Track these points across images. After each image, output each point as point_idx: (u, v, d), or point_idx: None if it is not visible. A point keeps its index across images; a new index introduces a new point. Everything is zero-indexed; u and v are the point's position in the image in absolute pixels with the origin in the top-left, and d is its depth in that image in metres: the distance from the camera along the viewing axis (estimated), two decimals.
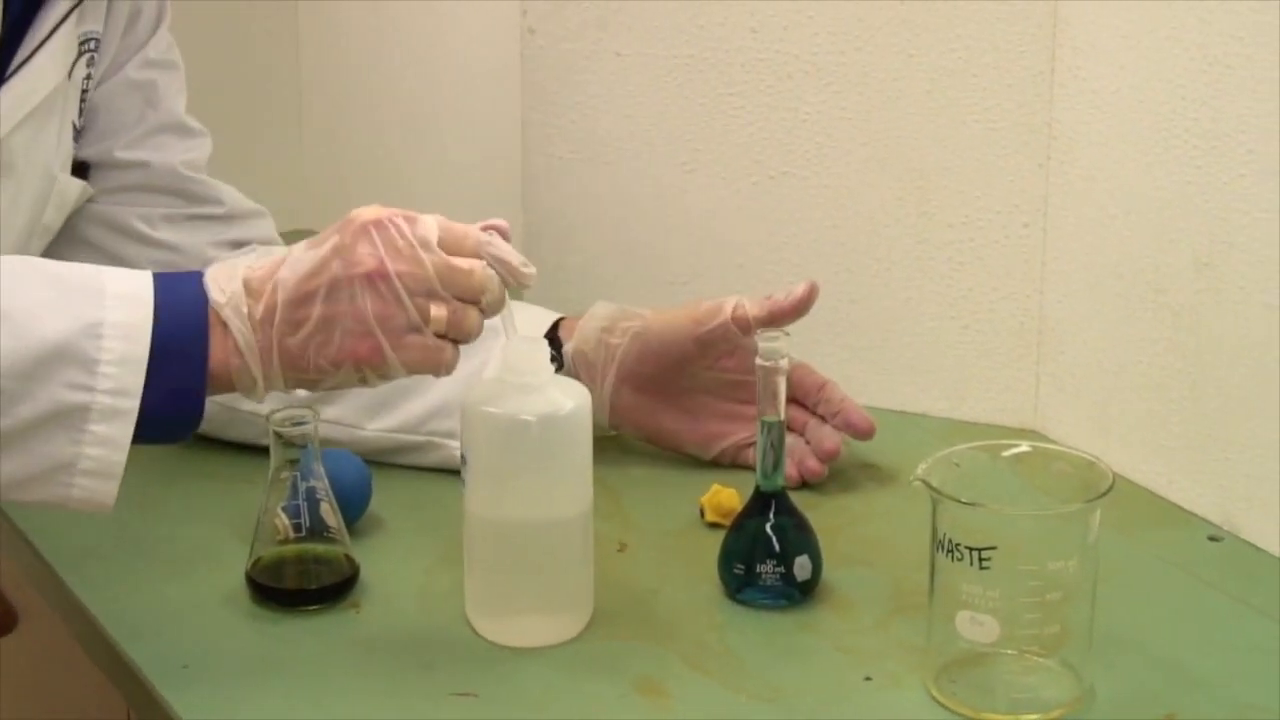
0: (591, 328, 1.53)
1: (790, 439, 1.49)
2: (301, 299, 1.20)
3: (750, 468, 1.37)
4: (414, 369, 1.21)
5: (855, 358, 1.68)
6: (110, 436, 1.17)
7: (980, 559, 1.18)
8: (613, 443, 1.55)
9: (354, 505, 1.42)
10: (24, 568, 1.48)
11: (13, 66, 1.39)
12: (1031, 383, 1.63)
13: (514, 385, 1.26)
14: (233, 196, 1.61)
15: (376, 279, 1.19)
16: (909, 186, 1.63)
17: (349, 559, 1.35)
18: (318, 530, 1.34)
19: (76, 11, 1.43)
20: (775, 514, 1.35)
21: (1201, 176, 1.42)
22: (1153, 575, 1.40)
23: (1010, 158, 1.58)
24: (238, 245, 1.58)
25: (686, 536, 1.45)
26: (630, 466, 1.55)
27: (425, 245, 1.20)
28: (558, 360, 1.51)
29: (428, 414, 1.52)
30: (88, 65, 1.47)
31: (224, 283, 1.21)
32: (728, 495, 1.45)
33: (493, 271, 1.22)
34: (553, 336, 1.53)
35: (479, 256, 1.22)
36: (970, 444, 1.26)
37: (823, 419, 1.52)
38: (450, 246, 1.22)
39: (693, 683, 1.25)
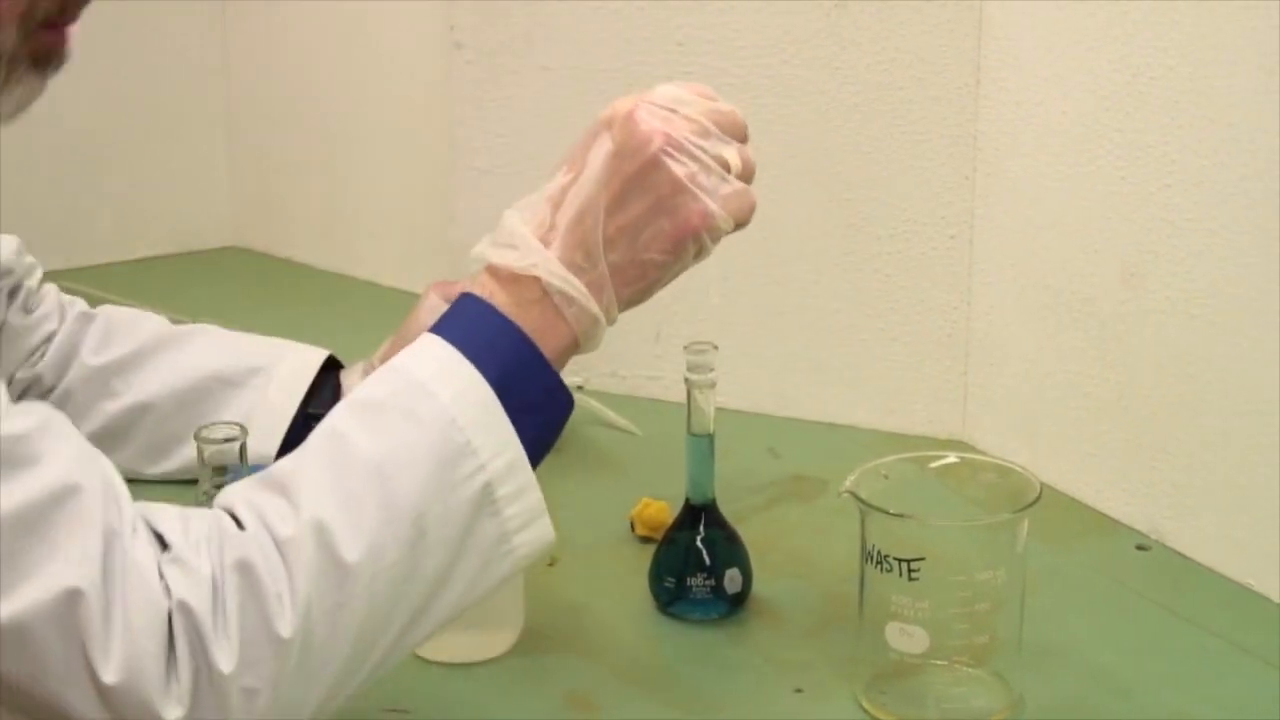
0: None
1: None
2: (612, 211, 1.16)
3: None
4: (737, 218, 1.18)
5: (784, 370, 1.68)
6: (519, 487, 1.12)
7: (909, 570, 1.18)
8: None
9: None
10: None
11: None
12: (960, 394, 1.63)
13: None
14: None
15: (672, 150, 1.16)
16: (836, 199, 1.63)
17: None
18: None
19: None
20: (705, 527, 1.35)
21: (1126, 187, 1.43)
22: (1081, 584, 1.41)
23: (936, 170, 1.59)
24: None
25: (617, 550, 1.45)
26: (560, 481, 1.54)
27: (686, 104, 1.18)
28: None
29: None
30: None
31: (514, 256, 1.18)
32: (658, 509, 1.45)
33: None
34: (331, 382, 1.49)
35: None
36: (899, 455, 1.27)
37: None
38: None
39: (624, 696, 1.25)
